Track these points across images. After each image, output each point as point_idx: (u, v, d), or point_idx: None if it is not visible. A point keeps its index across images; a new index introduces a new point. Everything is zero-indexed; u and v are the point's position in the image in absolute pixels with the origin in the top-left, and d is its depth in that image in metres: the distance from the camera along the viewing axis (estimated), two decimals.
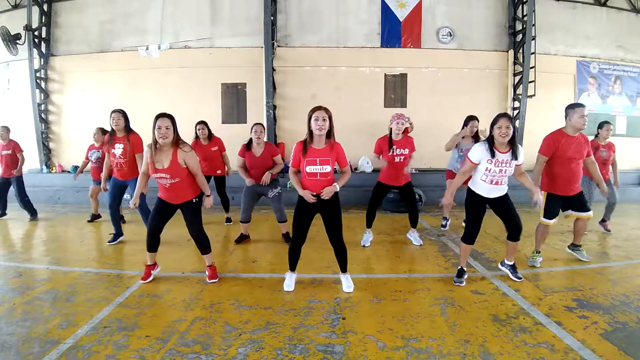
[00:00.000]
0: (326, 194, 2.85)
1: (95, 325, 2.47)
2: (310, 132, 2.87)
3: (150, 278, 3.26)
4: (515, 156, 2.89)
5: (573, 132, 3.38)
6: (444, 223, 5.11)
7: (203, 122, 5.21)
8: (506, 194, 3.11)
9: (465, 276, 3.23)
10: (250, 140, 4.19)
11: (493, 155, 2.90)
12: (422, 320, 2.56)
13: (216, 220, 5.73)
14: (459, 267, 3.26)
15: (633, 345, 2.23)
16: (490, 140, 2.93)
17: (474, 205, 3.10)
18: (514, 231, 3.15)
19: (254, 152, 4.16)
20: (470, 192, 3.13)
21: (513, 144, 2.90)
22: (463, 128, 4.81)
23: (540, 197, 3.07)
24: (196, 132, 5.20)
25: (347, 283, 3.09)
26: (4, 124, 6.02)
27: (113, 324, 2.49)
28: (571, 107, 3.38)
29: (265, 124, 4.52)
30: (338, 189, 2.90)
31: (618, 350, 2.17)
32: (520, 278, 3.25)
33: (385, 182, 4.26)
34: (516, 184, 3.24)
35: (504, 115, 2.91)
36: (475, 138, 4.69)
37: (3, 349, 2.19)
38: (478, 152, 2.97)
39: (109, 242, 4.46)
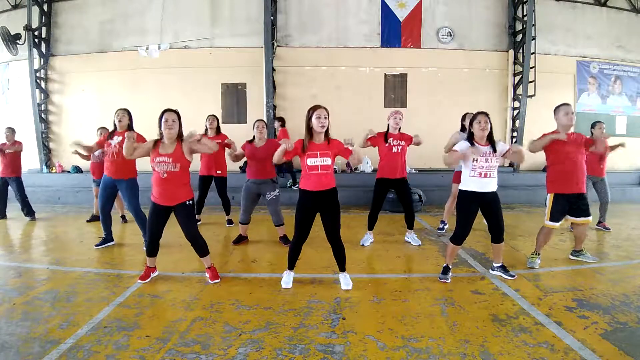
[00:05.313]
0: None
1: (95, 325, 2.47)
2: (309, 130, 2.95)
3: (148, 280, 3.26)
4: (494, 149, 3.15)
5: (564, 130, 3.53)
6: (441, 226, 5.09)
7: (214, 115, 5.35)
8: (497, 195, 3.22)
9: (450, 274, 3.30)
10: (254, 137, 4.31)
11: (474, 146, 3.14)
12: (422, 320, 2.56)
13: (217, 221, 5.73)
14: (444, 265, 3.34)
15: (633, 345, 2.23)
16: (471, 136, 3.22)
17: (466, 206, 3.21)
18: (496, 233, 3.27)
19: (255, 144, 4.29)
20: (461, 193, 3.23)
21: (491, 139, 3.18)
22: (465, 127, 4.62)
23: (519, 146, 3.26)
24: (206, 126, 5.26)
25: (345, 281, 3.11)
26: (8, 125, 6.06)
27: (113, 324, 2.49)
28: (557, 107, 3.60)
29: None
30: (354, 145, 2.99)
31: (618, 350, 2.17)
32: (513, 276, 3.29)
33: (384, 175, 4.23)
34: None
35: (482, 112, 3.22)
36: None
37: (3, 349, 2.19)
38: (462, 144, 3.23)
39: (96, 245, 4.30)
